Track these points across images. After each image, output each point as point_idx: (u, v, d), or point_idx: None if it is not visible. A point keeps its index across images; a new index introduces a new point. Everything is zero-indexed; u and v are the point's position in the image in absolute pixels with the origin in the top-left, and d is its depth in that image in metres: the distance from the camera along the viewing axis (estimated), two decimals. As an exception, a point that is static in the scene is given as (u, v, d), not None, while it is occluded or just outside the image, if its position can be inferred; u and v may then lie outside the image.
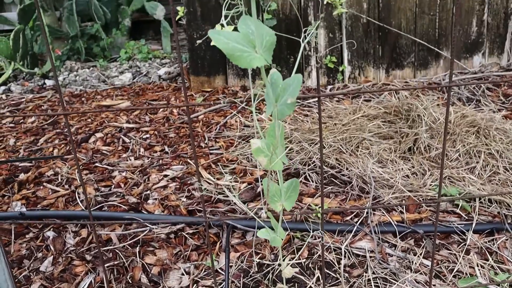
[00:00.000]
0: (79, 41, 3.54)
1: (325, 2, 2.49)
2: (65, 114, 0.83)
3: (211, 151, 1.91)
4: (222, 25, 0.74)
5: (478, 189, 1.55)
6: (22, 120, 2.47)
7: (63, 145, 2.09)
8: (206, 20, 2.57)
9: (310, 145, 1.81)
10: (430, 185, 1.60)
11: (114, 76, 3.07)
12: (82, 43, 3.54)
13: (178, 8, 2.68)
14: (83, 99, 2.71)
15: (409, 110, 1.96)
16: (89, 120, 2.36)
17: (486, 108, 2.25)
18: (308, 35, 0.91)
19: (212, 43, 1.19)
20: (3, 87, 3.06)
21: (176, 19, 2.51)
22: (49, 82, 3.08)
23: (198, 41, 0.89)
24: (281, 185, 0.84)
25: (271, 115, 0.73)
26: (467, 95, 2.40)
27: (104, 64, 3.27)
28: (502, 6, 2.67)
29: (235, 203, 1.50)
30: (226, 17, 0.87)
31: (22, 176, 1.81)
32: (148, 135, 2.12)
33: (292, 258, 1.28)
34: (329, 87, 2.56)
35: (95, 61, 3.55)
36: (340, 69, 2.59)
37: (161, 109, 2.39)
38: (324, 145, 1.81)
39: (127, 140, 2.08)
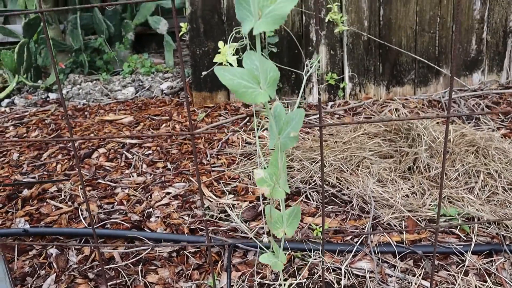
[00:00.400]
0: (82, 54, 3.58)
1: (326, 20, 2.52)
2: (72, 140, 0.85)
3: (213, 168, 1.93)
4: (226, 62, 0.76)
5: (477, 209, 1.57)
6: (25, 134, 2.50)
7: (66, 160, 2.11)
8: (209, 36, 2.60)
9: (311, 164, 1.83)
10: (430, 204, 1.62)
11: (117, 90, 3.10)
12: (86, 56, 3.57)
13: (181, 24, 2.72)
14: (86, 113, 2.74)
15: (409, 129, 1.98)
16: (92, 135, 2.38)
17: (486, 127, 2.28)
18: (310, 67, 0.94)
19: (214, 60, 1.21)
20: (7, 100, 3.09)
21: (180, 35, 2.54)
22: (52, 95, 3.10)
23: (204, 73, 0.91)
24: (283, 211, 0.86)
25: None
26: (466, 113, 2.42)
27: (107, 78, 3.30)
28: (501, 24, 2.70)
29: (236, 222, 1.51)
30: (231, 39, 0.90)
31: (25, 192, 1.83)
32: (150, 151, 2.14)
33: (293, 278, 1.30)
34: (330, 103, 2.59)
35: (98, 74, 3.59)
36: (341, 85, 2.62)
37: (163, 125, 2.41)
38: (325, 163, 1.83)
39: (129, 156, 2.10)
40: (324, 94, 2.65)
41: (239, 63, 1.02)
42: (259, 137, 2.22)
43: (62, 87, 3.29)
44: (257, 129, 0.76)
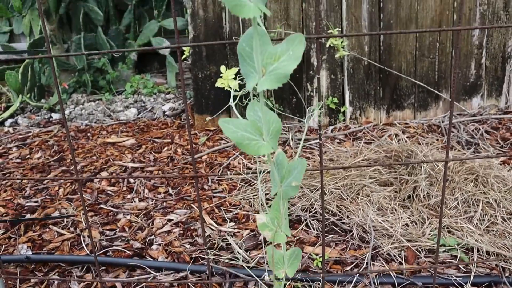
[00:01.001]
0: (85, 74, 3.61)
1: (327, 45, 2.55)
2: (78, 180, 0.87)
3: (214, 194, 1.94)
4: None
5: (476, 240, 1.58)
6: (28, 156, 2.52)
7: (68, 184, 2.13)
8: (211, 60, 2.63)
9: (312, 191, 1.85)
10: (429, 234, 1.63)
11: (119, 110, 3.13)
12: (89, 76, 3.61)
13: (184, 48, 2.74)
14: (88, 134, 2.76)
15: (409, 157, 2.00)
16: (95, 157, 2.40)
17: (485, 153, 2.30)
18: (312, 115, 0.96)
19: (217, 84, 1.24)
20: (10, 120, 3.11)
21: (182, 58, 2.56)
22: (55, 116, 3.13)
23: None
24: (284, 252, 0.88)
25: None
26: (466, 138, 2.44)
27: (110, 98, 3.33)
28: (500, 50, 2.74)
29: (238, 252, 1.53)
30: (234, 98, 0.92)
31: (28, 217, 1.85)
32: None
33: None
34: (331, 127, 2.61)
35: (101, 93, 3.62)
36: (342, 110, 2.64)
37: (165, 148, 2.43)
38: (325, 191, 1.85)
39: (131, 180, 2.12)
40: (324, 118, 2.68)
41: (241, 87, 1.04)
42: (259, 161, 2.23)
43: (65, 107, 3.32)
44: (259, 174, 0.78)
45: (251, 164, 2.19)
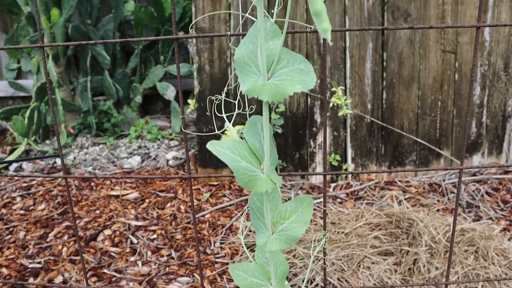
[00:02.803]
0: (90, 116, 3.65)
1: (330, 105, 2.58)
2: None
3: (216, 259, 1.96)
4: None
5: (476, 322, 1.59)
6: (32, 207, 2.54)
7: (72, 243, 2.14)
8: (216, 115, 2.67)
9: (314, 262, 1.86)
10: (430, 312, 1.64)
11: (123, 157, 3.16)
12: (94, 118, 3.65)
13: (189, 101, 2.78)
14: (92, 184, 2.79)
15: (410, 226, 2.02)
16: (98, 212, 2.42)
17: (486, 217, 2.32)
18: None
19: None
20: (15, 164, 3.14)
21: (187, 112, 2.58)
22: (59, 161, 3.16)
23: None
24: None
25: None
26: (466, 200, 2.46)
27: (114, 143, 3.37)
28: (500, 109, 2.78)
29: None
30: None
31: (31, 280, 1.86)
32: (155, 235, 2.18)
33: None
34: (333, 184, 2.64)
35: (106, 136, 3.65)
36: (344, 167, 2.67)
37: (168, 204, 2.45)
38: (326, 262, 1.86)
39: (134, 240, 2.14)
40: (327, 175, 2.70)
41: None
42: None
43: (69, 151, 3.35)
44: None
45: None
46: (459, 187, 0.94)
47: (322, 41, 2.61)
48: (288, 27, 0.59)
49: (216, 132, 0.77)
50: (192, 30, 0.82)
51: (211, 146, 0.60)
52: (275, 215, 0.66)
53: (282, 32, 0.57)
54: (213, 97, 0.95)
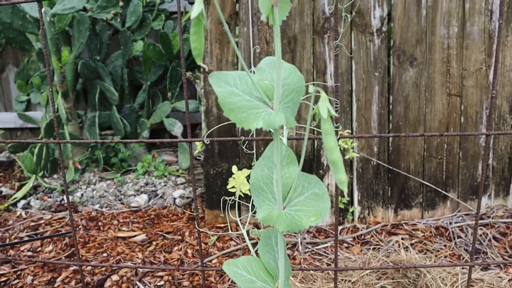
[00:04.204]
0: (98, 151, 3.69)
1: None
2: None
3: (223, 310, 1.96)
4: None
5: None
6: (40, 248, 2.55)
7: (79, 289, 2.15)
8: (223, 157, 2.69)
9: (321, 315, 1.86)
10: None
11: (130, 195, 3.18)
12: (101, 153, 3.68)
13: (197, 143, 2.79)
14: (99, 224, 2.80)
15: (418, 277, 2.02)
16: (105, 254, 2.43)
17: (493, 264, 2.30)
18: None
19: (228, 187, 1.26)
20: (23, 201, 3.17)
21: (194, 153, 2.61)
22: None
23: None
24: None
25: None
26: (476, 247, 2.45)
27: (121, 179, 3.39)
28: (506, 151, 2.79)
29: None
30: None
31: (39, 331, 1.86)
32: (162, 282, 2.18)
33: None
34: (339, 227, 2.64)
35: (113, 170, 3.68)
36: (350, 210, 2.68)
37: (175, 247, 2.46)
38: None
39: (141, 287, 2.14)
40: (333, 217, 2.71)
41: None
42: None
43: (76, 187, 3.38)
44: None
45: (261, 273, 2.21)
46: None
47: (328, 84, 2.64)
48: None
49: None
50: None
51: (227, 267, 0.61)
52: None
53: (299, 162, 0.59)
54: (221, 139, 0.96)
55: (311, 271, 2.21)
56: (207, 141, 0.81)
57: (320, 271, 2.22)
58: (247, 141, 2.34)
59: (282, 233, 0.58)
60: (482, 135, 2.77)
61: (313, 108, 0.53)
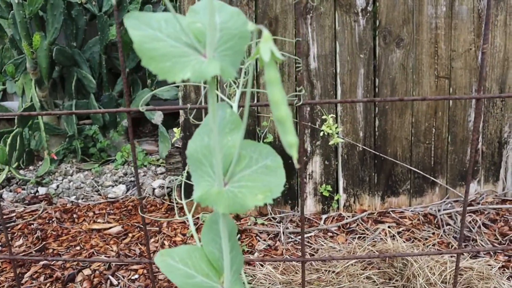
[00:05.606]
0: (76, 140, 3.55)
1: (321, 134, 2.47)
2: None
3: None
4: None
5: None
6: (10, 242, 2.42)
7: (48, 284, 2.03)
8: (202, 145, 2.57)
9: (302, 308, 1.76)
10: None
11: (108, 185, 3.05)
12: (79, 143, 3.55)
13: (175, 130, 2.67)
14: (74, 216, 2.67)
15: (404, 266, 1.92)
16: (78, 248, 2.31)
17: (483, 251, 2.22)
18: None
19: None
20: (-5, 193, 3.03)
21: (172, 141, 2.48)
22: (42, 190, 3.05)
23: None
24: None
25: None
26: (463, 232, 2.36)
27: (99, 170, 3.26)
28: (496, 135, 2.70)
29: None
30: None
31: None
32: (137, 275, 2.06)
33: None
34: (324, 216, 2.54)
35: (91, 161, 3.55)
36: (335, 197, 2.57)
37: (152, 239, 2.35)
38: (317, 308, 1.76)
39: (114, 282, 2.02)
40: (318, 206, 2.61)
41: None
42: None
43: (52, 178, 3.24)
44: None
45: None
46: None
47: (311, 67, 2.53)
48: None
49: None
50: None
51: (160, 259, 0.49)
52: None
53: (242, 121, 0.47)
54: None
55: (291, 263, 2.10)
56: (143, 109, 0.70)
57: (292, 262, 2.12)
58: (194, 110, 2.22)
59: (226, 215, 0.47)
60: (470, 119, 2.67)
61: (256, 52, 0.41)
